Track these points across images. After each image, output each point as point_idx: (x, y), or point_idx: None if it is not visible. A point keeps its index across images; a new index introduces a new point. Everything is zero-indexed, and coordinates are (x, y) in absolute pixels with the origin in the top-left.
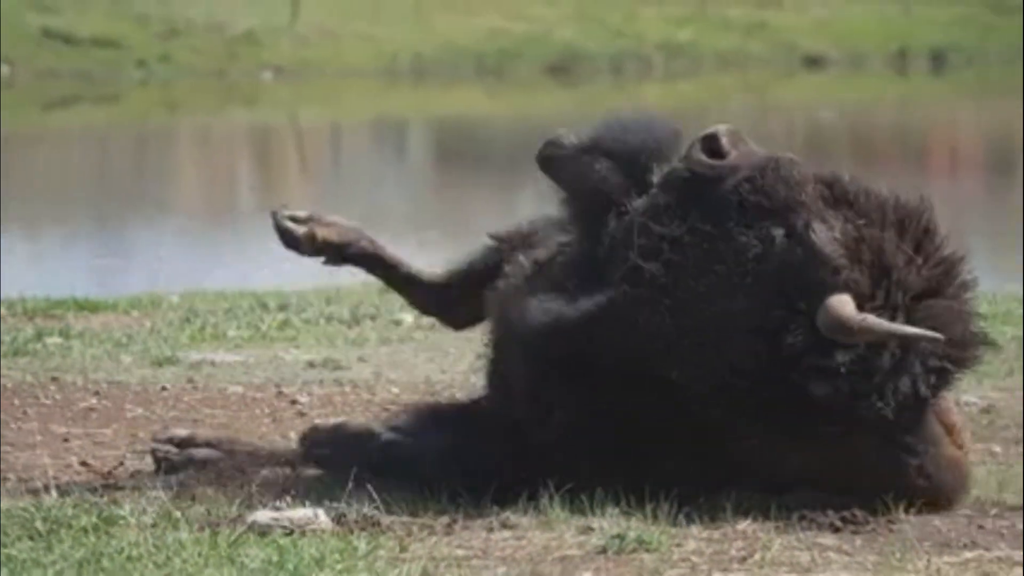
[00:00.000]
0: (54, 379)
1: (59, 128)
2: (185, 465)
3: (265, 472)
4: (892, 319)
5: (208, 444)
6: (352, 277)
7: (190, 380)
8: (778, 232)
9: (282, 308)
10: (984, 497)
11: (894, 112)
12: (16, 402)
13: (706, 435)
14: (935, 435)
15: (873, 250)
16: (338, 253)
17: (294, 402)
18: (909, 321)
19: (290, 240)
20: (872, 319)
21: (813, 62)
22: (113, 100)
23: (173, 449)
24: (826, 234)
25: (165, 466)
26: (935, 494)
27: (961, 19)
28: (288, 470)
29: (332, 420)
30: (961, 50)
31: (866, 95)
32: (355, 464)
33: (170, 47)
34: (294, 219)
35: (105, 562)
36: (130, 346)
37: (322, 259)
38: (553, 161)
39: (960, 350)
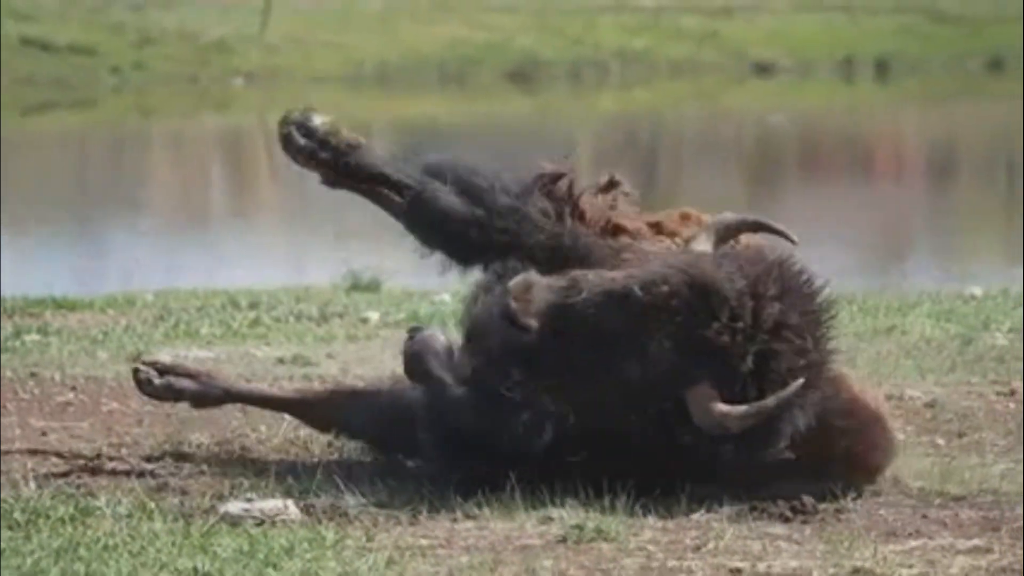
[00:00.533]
0: (32, 375)
1: (37, 133)
2: (163, 392)
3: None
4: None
5: (188, 375)
6: (320, 277)
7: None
8: (606, 362)
9: (253, 306)
10: (928, 488)
11: (841, 117)
12: None
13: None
14: (854, 404)
15: (701, 337)
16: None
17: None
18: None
19: (148, 390)
20: (737, 410)
21: (763, 69)
22: (89, 106)
23: (154, 373)
24: (655, 345)
25: (146, 388)
26: (859, 457)
27: (904, 28)
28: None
29: None
30: (904, 58)
31: (814, 102)
32: None
33: (144, 55)
34: (157, 367)
35: (82, 551)
36: (106, 343)
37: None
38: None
39: (822, 367)
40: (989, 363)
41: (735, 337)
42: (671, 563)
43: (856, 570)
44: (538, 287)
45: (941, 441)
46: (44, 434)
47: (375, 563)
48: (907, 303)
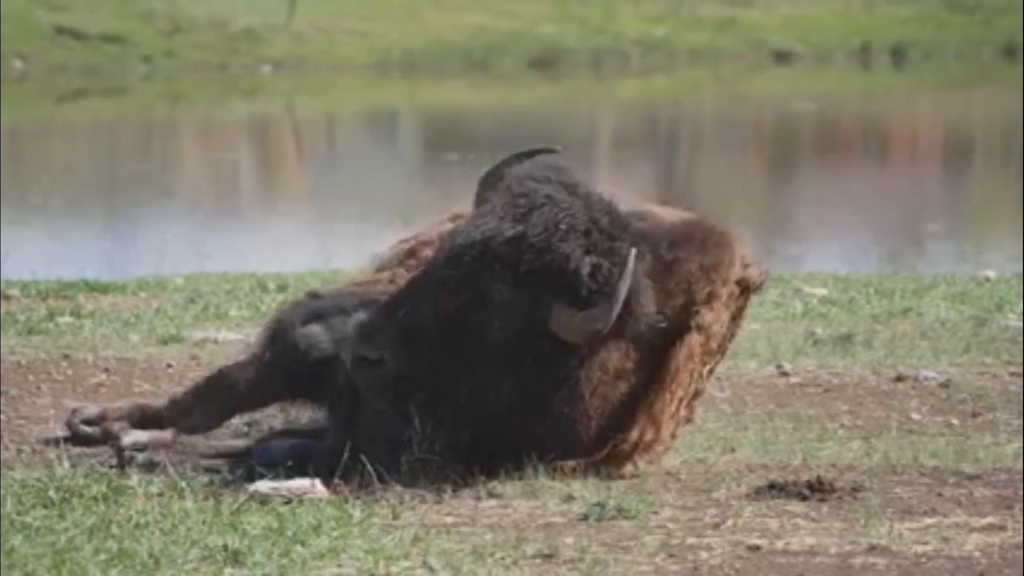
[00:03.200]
0: (66, 356)
1: (69, 119)
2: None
3: None
4: None
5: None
6: (346, 261)
7: (194, 357)
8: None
9: (281, 289)
10: (943, 466)
11: (858, 103)
12: (31, 378)
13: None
14: None
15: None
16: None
17: None
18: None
19: (82, 441)
20: (594, 311)
21: (781, 57)
22: (120, 93)
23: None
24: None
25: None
26: None
27: (919, 16)
28: None
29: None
30: (919, 45)
31: (831, 88)
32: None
33: (174, 43)
34: (87, 422)
35: (114, 529)
36: (138, 325)
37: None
38: None
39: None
40: (1003, 344)
41: (552, 244)
42: (691, 540)
43: (872, 547)
44: (369, 321)
45: (955, 421)
46: None
47: (401, 540)
48: (923, 286)
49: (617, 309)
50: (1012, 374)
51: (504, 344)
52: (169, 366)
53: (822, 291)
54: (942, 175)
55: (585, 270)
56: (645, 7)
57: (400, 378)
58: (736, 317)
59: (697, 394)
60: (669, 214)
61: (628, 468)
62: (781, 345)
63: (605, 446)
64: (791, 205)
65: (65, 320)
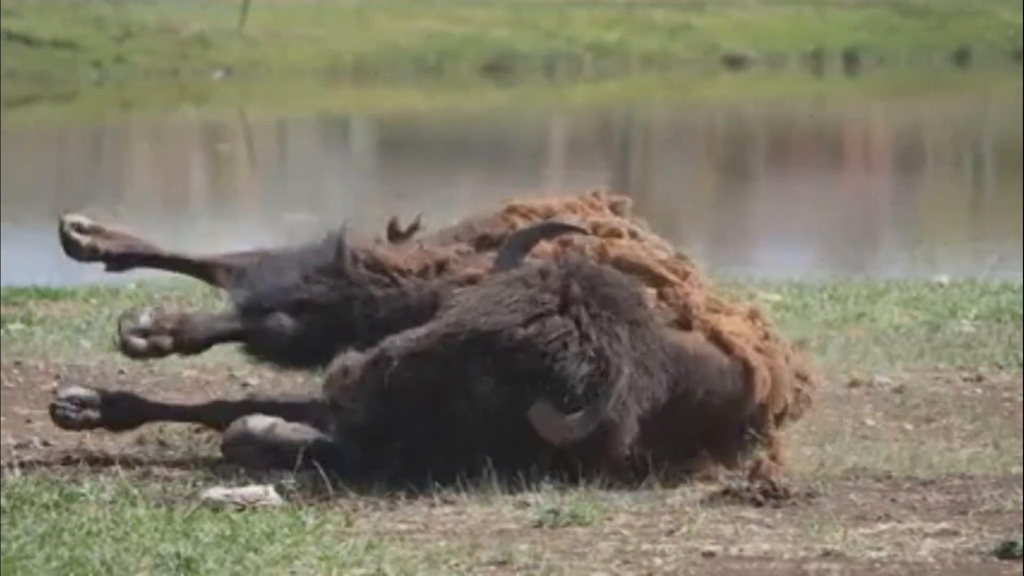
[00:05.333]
0: (17, 363)
1: (19, 126)
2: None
3: None
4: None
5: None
6: None
7: (146, 364)
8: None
9: None
10: (897, 472)
11: (810, 109)
12: None
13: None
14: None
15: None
16: (118, 262)
17: (245, 384)
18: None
19: (73, 250)
20: (575, 417)
21: (734, 62)
22: (71, 99)
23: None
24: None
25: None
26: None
27: (871, 21)
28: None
29: None
30: (872, 50)
31: (784, 93)
32: None
33: (125, 49)
34: (79, 228)
35: (66, 536)
36: (89, 332)
37: (104, 266)
38: None
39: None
40: (956, 350)
41: (555, 351)
42: (645, 547)
43: (826, 553)
44: (353, 369)
45: (909, 426)
46: (29, 421)
47: (354, 547)
48: (876, 291)
49: (595, 424)
50: (965, 379)
51: (476, 423)
52: (121, 372)
53: (776, 297)
54: (895, 180)
55: (581, 381)
56: (598, 12)
57: (371, 425)
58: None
59: None
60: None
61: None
62: None
63: None
64: (744, 210)
65: (16, 327)
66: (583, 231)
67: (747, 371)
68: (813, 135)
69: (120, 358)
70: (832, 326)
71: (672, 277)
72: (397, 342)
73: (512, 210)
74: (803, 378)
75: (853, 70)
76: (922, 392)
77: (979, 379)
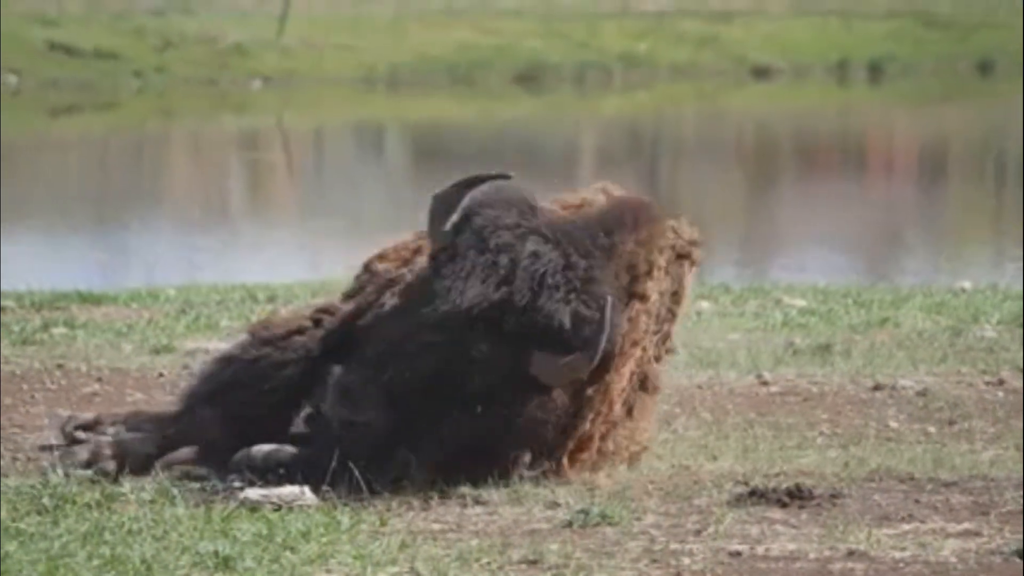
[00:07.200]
0: (59, 366)
1: (63, 133)
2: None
3: None
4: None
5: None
6: (334, 272)
7: (185, 367)
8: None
9: (270, 300)
10: (920, 474)
11: (836, 118)
12: (25, 387)
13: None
14: None
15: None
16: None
17: None
18: None
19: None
20: (576, 357)
21: (761, 73)
22: (112, 108)
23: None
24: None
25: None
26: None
27: (896, 33)
28: None
29: None
30: (896, 61)
31: (810, 103)
32: None
33: (165, 58)
34: (82, 427)
35: (107, 535)
36: (130, 335)
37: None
38: None
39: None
40: (978, 354)
41: (545, 312)
42: (673, 546)
43: (851, 552)
44: (357, 386)
45: (932, 429)
46: None
47: (388, 546)
48: (900, 297)
49: (598, 358)
50: (987, 383)
51: (482, 391)
52: (161, 375)
53: (801, 302)
54: (919, 188)
55: (567, 322)
56: (628, 23)
57: (387, 433)
58: (678, 282)
59: (657, 359)
60: (598, 198)
61: (607, 455)
62: (761, 355)
63: (568, 437)
64: (771, 217)
65: (59, 331)
66: (507, 176)
67: None
68: (839, 144)
69: (159, 361)
70: (857, 331)
71: None
72: (381, 347)
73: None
74: None
75: (878, 80)
76: (945, 395)
77: (1001, 383)
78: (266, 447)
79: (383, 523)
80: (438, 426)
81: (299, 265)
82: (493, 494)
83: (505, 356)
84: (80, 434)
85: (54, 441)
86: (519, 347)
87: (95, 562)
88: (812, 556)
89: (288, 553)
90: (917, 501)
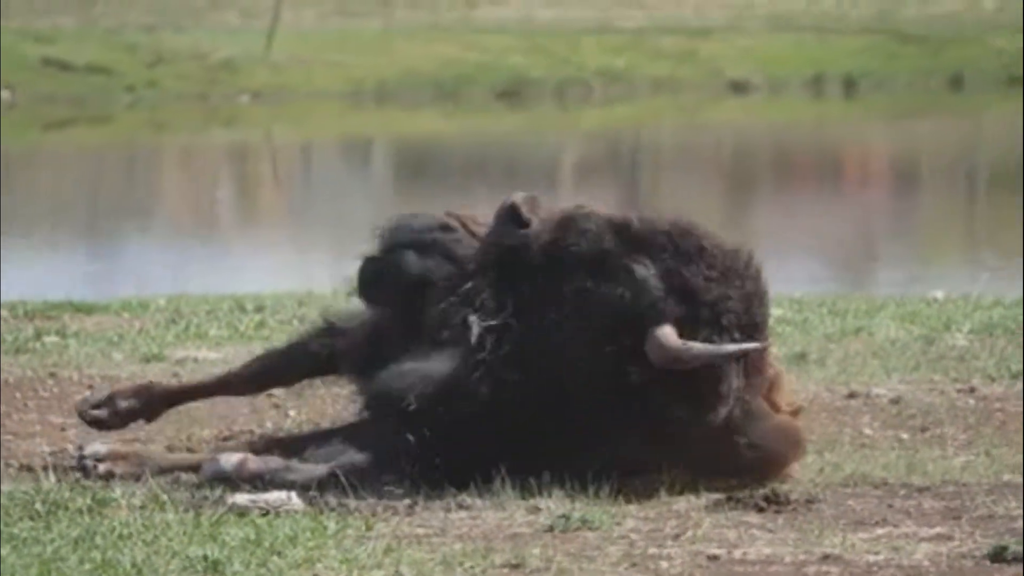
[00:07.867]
0: (52, 374)
1: (57, 147)
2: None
3: None
4: (716, 331)
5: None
6: (322, 283)
7: (175, 375)
8: (591, 281)
9: (259, 310)
10: (894, 479)
11: (812, 131)
12: (17, 395)
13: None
14: (760, 411)
15: (680, 278)
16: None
17: (270, 395)
18: (715, 314)
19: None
20: (696, 346)
21: (738, 87)
22: (105, 122)
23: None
24: (642, 272)
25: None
26: (768, 461)
27: (870, 48)
28: None
29: None
30: (870, 76)
31: (786, 117)
32: None
33: (157, 74)
34: (96, 405)
35: (98, 540)
36: (121, 344)
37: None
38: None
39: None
40: (950, 362)
41: (708, 284)
42: (652, 550)
43: (826, 556)
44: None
45: (905, 436)
46: (63, 430)
47: (374, 551)
48: (874, 306)
49: (704, 361)
50: (959, 391)
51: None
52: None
53: (777, 311)
54: (892, 200)
55: (706, 316)
56: (608, 39)
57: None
58: None
59: None
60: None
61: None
62: None
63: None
64: (748, 228)
65: (51, 339)
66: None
67: None
68: (814, 156)
69: (149, 369)
70: (831, 340)
71: None
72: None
73: None
74: None
75: (853, 94)
76: (918, 403)
77: (972, 391)
78: (234, 457)
79: (369, 528)
80: None
81: (287, 276)
82: (476, 499)
83: (651, 293)
84: (94, 412)
85: (45, 449)
86: (662, 299)
87: (87, 566)
88: (788, 560)
89: (275, 557)
90: (890, 506)
